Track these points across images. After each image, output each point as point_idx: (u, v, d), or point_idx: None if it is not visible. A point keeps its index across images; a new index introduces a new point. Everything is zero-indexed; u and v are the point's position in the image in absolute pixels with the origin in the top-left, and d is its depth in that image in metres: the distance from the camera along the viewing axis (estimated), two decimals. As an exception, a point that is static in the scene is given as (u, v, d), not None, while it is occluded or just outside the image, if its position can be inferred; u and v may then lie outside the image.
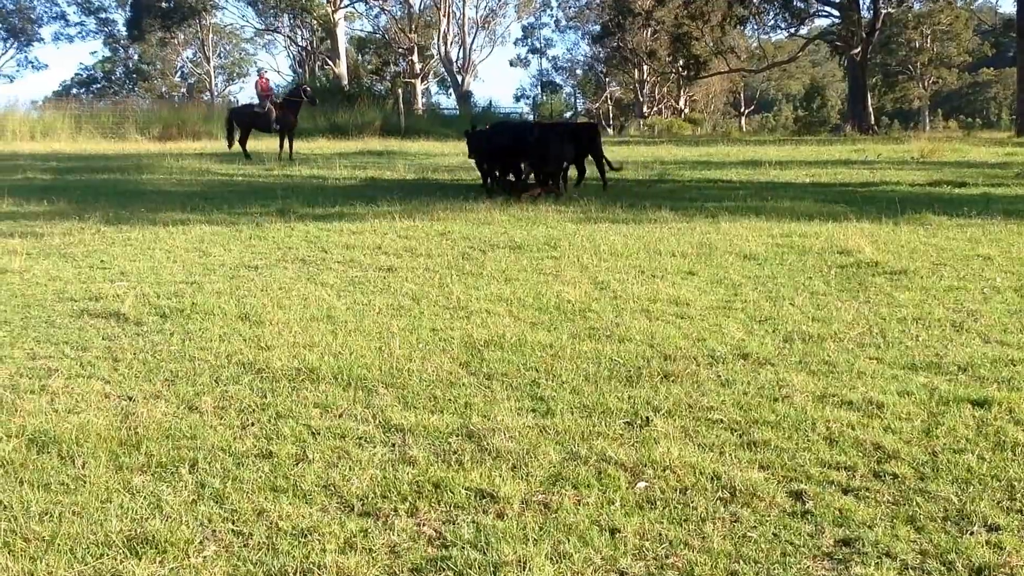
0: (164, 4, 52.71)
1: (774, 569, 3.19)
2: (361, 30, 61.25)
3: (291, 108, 20.32)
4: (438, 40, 55.26)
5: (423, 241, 9.43)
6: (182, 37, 61.63)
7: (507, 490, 3.72)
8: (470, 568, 3.19)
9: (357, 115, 32.12)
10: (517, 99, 67.96)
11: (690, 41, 43.46)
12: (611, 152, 23.72)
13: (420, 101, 50.61)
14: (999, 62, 67.85)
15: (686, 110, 56.18)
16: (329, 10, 49.82)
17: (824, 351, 5.54)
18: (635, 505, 3.63)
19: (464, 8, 57.10)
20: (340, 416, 4.56)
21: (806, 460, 4.00)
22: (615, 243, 9.16)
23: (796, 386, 4.90)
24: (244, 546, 3.35)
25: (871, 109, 43.79)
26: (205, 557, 3.27)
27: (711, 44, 44.46)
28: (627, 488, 3.76)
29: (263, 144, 20.88)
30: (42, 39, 63.44)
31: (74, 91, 61.69)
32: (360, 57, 60.06)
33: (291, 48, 61.57)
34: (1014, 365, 5.24)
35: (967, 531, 3.41)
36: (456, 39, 56.73)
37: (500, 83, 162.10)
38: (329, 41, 52.76)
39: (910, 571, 3.18)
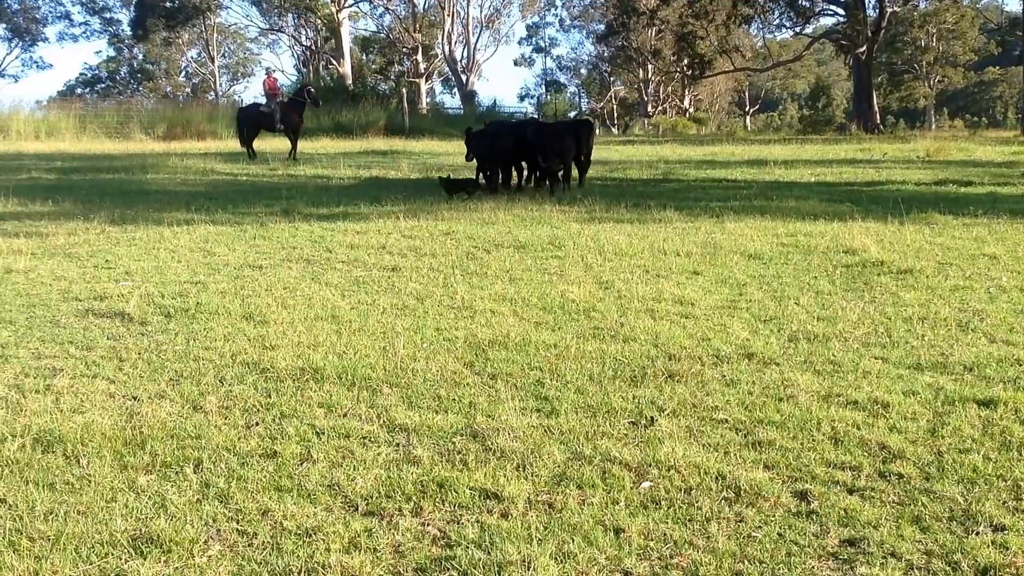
0: (168, 4, 52.78)
1: (779, 569, 3.19)
2: (365, 29, 61.38)
3: (295, 108, 20.38)
4: (442, 39, 55.26)
5: (427, 241, 9.43)
6: (186, 37, 61.70)
7: (511, 490, 3.72)
8: (474, 568, 3.19)
9: (361, 115, 32.17)
10: (521, 98, 68.08)
11: (695, 40, 43.38)
12: (616, 152, 23.72)
13: (424, 100, 50.63)
14: (1005, 61, 67.64)
15: (691, 109, 56.13)
16: (333, 9, 49.87)
17: (829, 351, 5.53)
18: (639, 505, 3.62)
19: (468, 7, 57.14)
20: (344, 416, 4.56)
21: (811, 460, 3.99)
22: (619, 243, 9.15)
23: (801, 386, 4.89)
24: (249, 545, 3.35)
25: (876, 108, 43.70)
26: (210, 556, 3.28)
27: (716, 43, 44.39)
28: (631, 488, 3.76)
29: (267, 144, 20.91)
30: (47, 39, 63.58)
31: (79, 91, 61.83)
32: (364, 57, 60.14)
33: (295, 48, 61.68)
34: (1020, 365, 5.23)
35: (972, 531, 3.40)
36: (460, 38, 56.76)
37: (504, 82, 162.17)
38: (333, 40, 52.79)
39: (915, 571, 3.17)
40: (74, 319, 6.42)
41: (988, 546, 3.29)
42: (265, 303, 6.79)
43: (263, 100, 21.93)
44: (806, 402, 4.66)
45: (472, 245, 9.17)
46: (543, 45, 68.72)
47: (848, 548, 3.31)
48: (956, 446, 4.13)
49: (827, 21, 47.30)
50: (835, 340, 5.75)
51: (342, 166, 18.35)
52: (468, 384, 5.01)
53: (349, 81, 44.05)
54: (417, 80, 52.73)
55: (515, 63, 73.31)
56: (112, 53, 65.60)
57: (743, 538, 3.37)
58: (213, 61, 63.65)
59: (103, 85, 64.65)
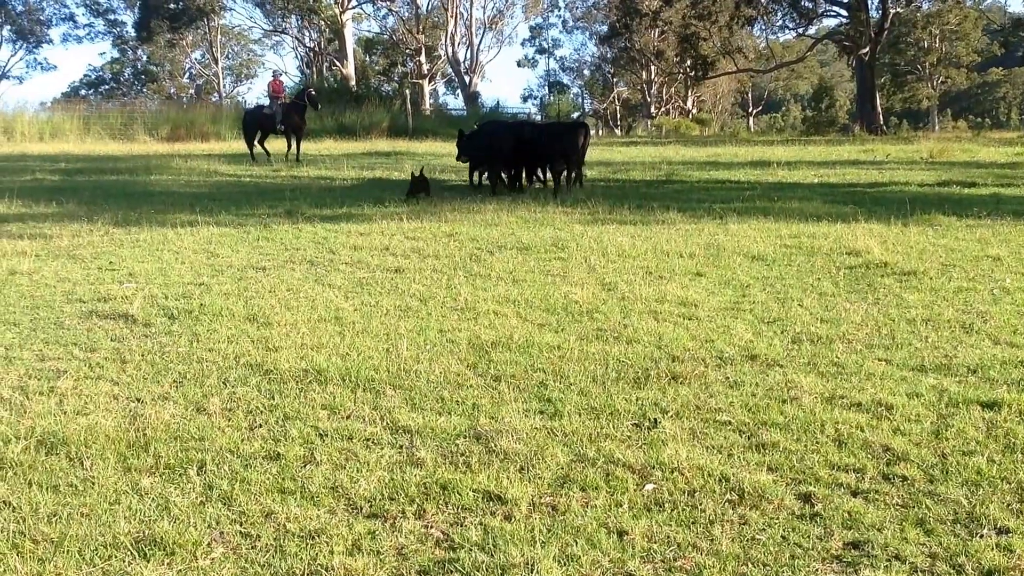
0: (172, 6, 52.91)
1: (783, 572, 3.18)
2: (369, 31, 61.41)
3: (296, 110, 20.41)
4: (445, 41, 55.27)
5: (431, 242, 9.43)
6: (190, 38, 61.78)
7: (515, 492, 3.72)
8: (478, 570, 3.19)
9: (365, 116, 32.19)
10: (525, 99, 68.09)
11: (698, 41, 43.36)
12: (619, 153, 23.72)
13: (428, 102, 50.63)
14: (1008, 62, 67.53)
15: (694, 110, 56.08)
16: (337, 11, 49.93)
17: (833, 352, 5.52)
18: (643, 507, 3.62)
19: (471, 9, 57.15)
20: (348, 418, 4.57)
21: (815, 462, 3.99)
22: (623, 244, 9.15)
23: (805, 388, 4.89)
24: (252, 548, 3.35)
25: (880, 109, 43.63)
26: (213, 559, 3.28)
27: (719, 44, 44.36)
28: (635, 490, 3.76)
29: (271, 146, 20.93)
30: (51, 40, 63.73)
31: (83, 92, 61.92)
32: (368, 58, 60.19)
33: (299, 49, 61.75)
34: (1024, 367, 5.22)
35: (977, 534, 3.39)
36: (463, 40, 56.77)
37: (508, 83, 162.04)
38: (337, 42, 52.87)
39: (919, 574, 3.17)
40: (78, 321, 6.43)
41: (992, 549, 3.28)
42: (268, 305, 6.80)
43: (267, 102, 22.03)
44: (810, 404, 4.66)
45: (475, 247, 9.18)
46: (546, 46, 68.78)
47: (852, 551, 3.31)
48: (960, 448, 4.12)
49: (830, 22, 47.30)
50: (839, 342, 5.74)
51: (345, 167, 18.37)
52: (471, 386, 5.01)
53: (353, 82, 44.09)
54: (420, 81, 52.75)
55: (518, 64, 73.38)
56: (116, 55, 65.78)
57: (747, 541, 3.37)
58: (217, 63, 63.73)
59: (107, 87, 64.77)
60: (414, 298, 7.04)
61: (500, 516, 3.56)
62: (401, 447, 4.21)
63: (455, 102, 60.14)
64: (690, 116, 52.54)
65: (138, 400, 4.83)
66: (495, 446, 4.17)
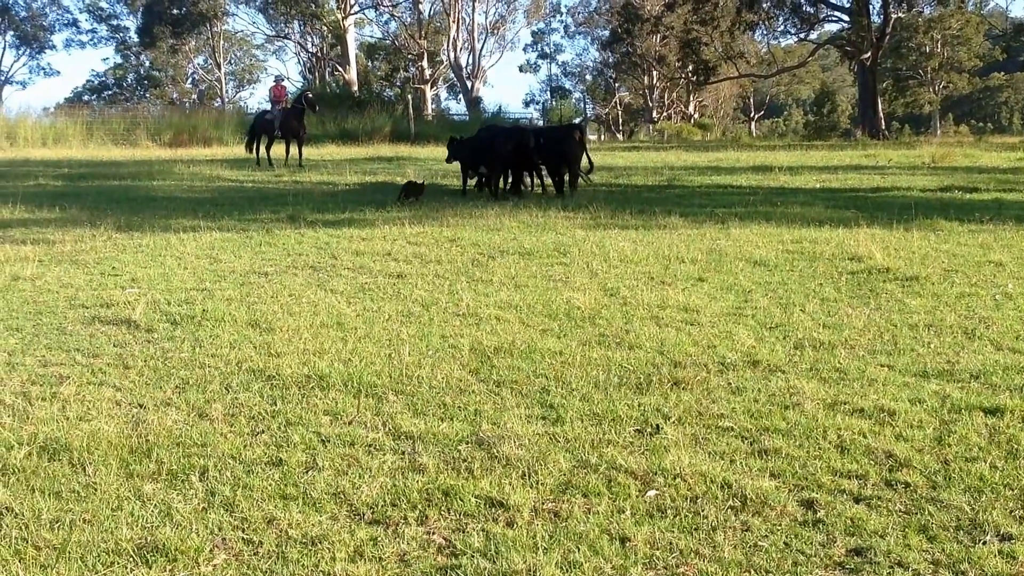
0: (175, 11, 53.05)
1: (785, 579, 3.18)
2: (371, 36, 61.49)
3: (295, 115, 20.45)
4: (448, 46, 55.36)
5: (433, 247, 9.44)
6: (193, 44, 61.92)
7: (517, 498, 3.71)
8: (480, 577, 3.19)
9: (367, 121, 32.25)
10: (527, 104, 68.10)
11: (699, 46, 43.39)
12: (621, 158, 23.73)
13: (430, 107, 50.70)
14: (1010, 66, 67.58)
15: (696, 115, 56.12)
16: (339, 16, 50.05)
17: (835, 358, 5.52)
18: (645, 514, 3.61)
19: (473, 14, 57.24)
20: (350, 423, 4.57)
21: (817, 468, 3.98)
22: (624, 249, 9.15)
23: (807, 393, 4.89)
24: (254, 554, 3.35)
25: (882, 114, 43.61)
26: (215, 565, 3.28)
27: (720, 49, 44.39)
28: (637, 496, 3.75)
29: (274, 151, 21.01)
30: (54, 46, 64.05)
31: (86, 97, 62.09)
32: (370, 63, 60.28)
33: (301, 54, 61.84)
34: (1027, 372, 5.21)
35: (979, 540, 3.38)
36: (466, 45, 56.85)
37: (510, 88, 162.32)
38: (339, 47, 52.98)
39: (922, 581, 3.16)
40: (80, 326, 6.44)
41: (995, 555, 3.28)
42: (271, 310, 6.80)
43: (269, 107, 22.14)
44: (812, 410, 4.66)
45: (477, 252, 9.18)
46: (548, 51, 68.85)
47: (855, 557, 3.30)
48: (963, 454, 4.11)
49: (832, 27, 47.28)
50: (841, 347, 5.74)
51: (348, 172, 18.40)
52: (473, 392, 5.01)
53: (355, 87, 44.17)
54: (422, 86, 52.84)
55: (520, 69, 73.30)
56: (119, 60, 65.92)
57: (749, 547, 3.36)
58: (219, 68, 63.85)
59: (110, 92, 64.91)
60: (416, 303, 7.05)
61: (502, 522, 3.56)
62: (403, 453, 4.21)
63: (457, 107, 60.25)
64: (692, 121, 52.58)
65: (140, 406, 4.83)
66: (497, 452, 4.17)
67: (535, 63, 69.90)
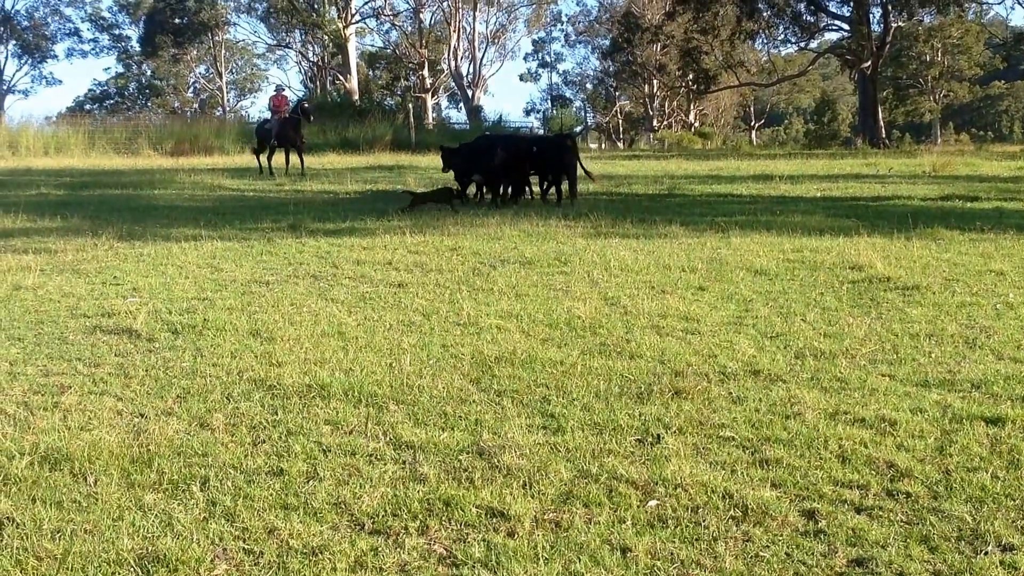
0: (177, 20, 53.24)
1: (786, 589, 3.17)
2: (372, 45, 61.69)
3: (292, 124, 20.49)
4: (448, 55, 55.51)
5: (433, 256, 9.45)
6: (195, 53, 62.14)
7: (518, 508, 3.71)
8: (481, 587, 3.18)
9: (368, 130, 32.32)
10: (527, 113, 68.24)
11: (700, 55, 43.51)
12: (621, 166, 23.76)
13: (431, 115, 50.81)
14: (1010, 75, 67.73)
15: (696, 124, 56.19)
16: (340, 26, 50.17)
17: (836, 368, 5.52)
18: (646, 524, 3.61)
19: (474, 23, 57.41)
20: (351, 433, 4.57)
21: (818, 478, 3.98)
22: (625, 258, 9.16)
23: (808, 403, 4.88)
24: (255, 564, 3.35)
25: (882, 123, 43.68)
26: (216, 575, 3.28)
27: (721, 58, 44.49)
28: (638, 506, 3.75)
29: (276, 160, 21.05)
30: (56, 55, 64.10)
31: (88, 107, 62.21)
32: (371, 72, 60.40)
33: (302, 64, 62.05)
34: (1028, 382, 5.20)
35: (981, 551, 3.38)
36: (466, 54, 57.04)
37: (510, 97, 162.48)
38: (340, 56, 53.11)
39: (924, 592, 3.16)
40: (82, 336, 6.44)
41: (997, 566, 3.27)
42: (272, 319, 6.81)
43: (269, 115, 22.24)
44: (813, 420, 4.65)
45: (478, 261, 9.19)
46: (549, 60, 69.03)
47: (856, 568, 3.30)
48: (964, 464, 4.11)
49: (832, 36, 47.44)
50: (842, 357, 5.74)
51: (349, 181, 18.42)
52: (474, 401, 5.01)
53: (356, 96, 44.25)
54: (423, 95, 52.94)
55: (521, 78, 73.65)
56: (121, 69, 66.13)
57: (750, 557, 3.36)
58: (221, 77, 64.03)
59: (112, 101, 65.08)
60: (417, 313, 7.05)
61: (503, 532, 3.56)
62: (404, 463, 4.20)
63: (458, 116, 60.39)
64: (692, 130, 52.63)
65: (142, 415, 4.83)
66: (498, 462, 4.17)
67: (536, 72, 70.13)
